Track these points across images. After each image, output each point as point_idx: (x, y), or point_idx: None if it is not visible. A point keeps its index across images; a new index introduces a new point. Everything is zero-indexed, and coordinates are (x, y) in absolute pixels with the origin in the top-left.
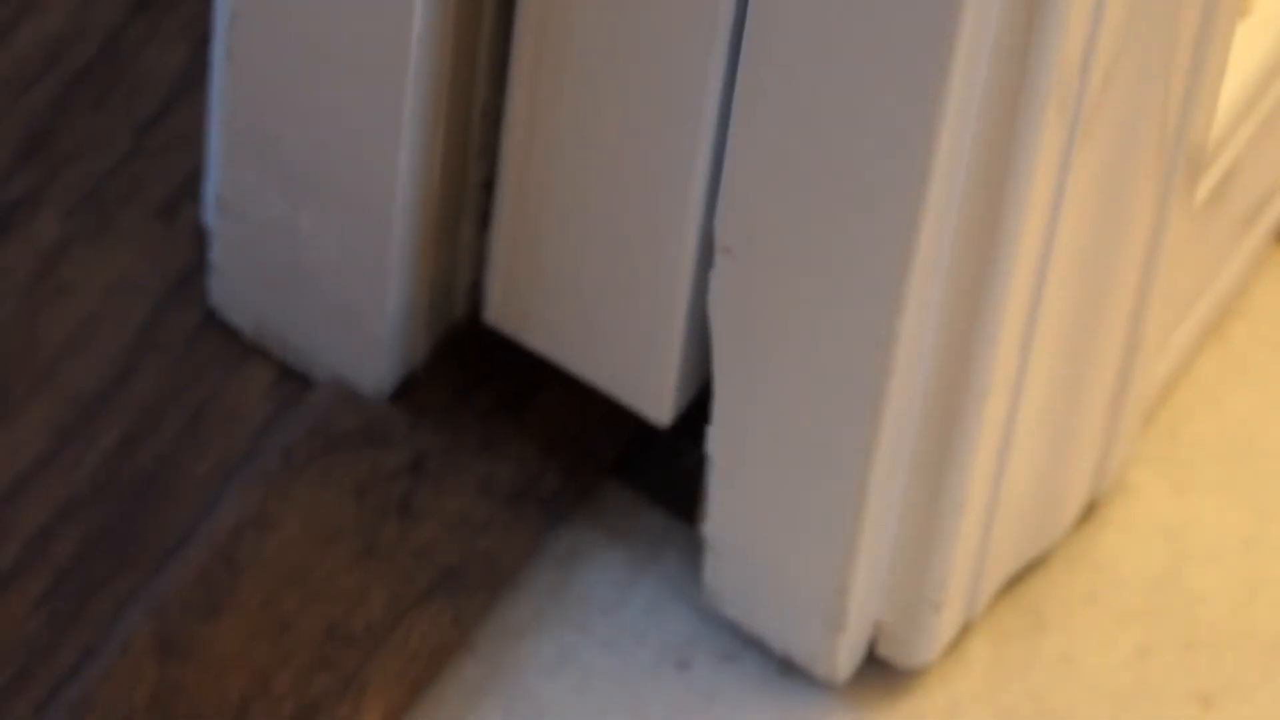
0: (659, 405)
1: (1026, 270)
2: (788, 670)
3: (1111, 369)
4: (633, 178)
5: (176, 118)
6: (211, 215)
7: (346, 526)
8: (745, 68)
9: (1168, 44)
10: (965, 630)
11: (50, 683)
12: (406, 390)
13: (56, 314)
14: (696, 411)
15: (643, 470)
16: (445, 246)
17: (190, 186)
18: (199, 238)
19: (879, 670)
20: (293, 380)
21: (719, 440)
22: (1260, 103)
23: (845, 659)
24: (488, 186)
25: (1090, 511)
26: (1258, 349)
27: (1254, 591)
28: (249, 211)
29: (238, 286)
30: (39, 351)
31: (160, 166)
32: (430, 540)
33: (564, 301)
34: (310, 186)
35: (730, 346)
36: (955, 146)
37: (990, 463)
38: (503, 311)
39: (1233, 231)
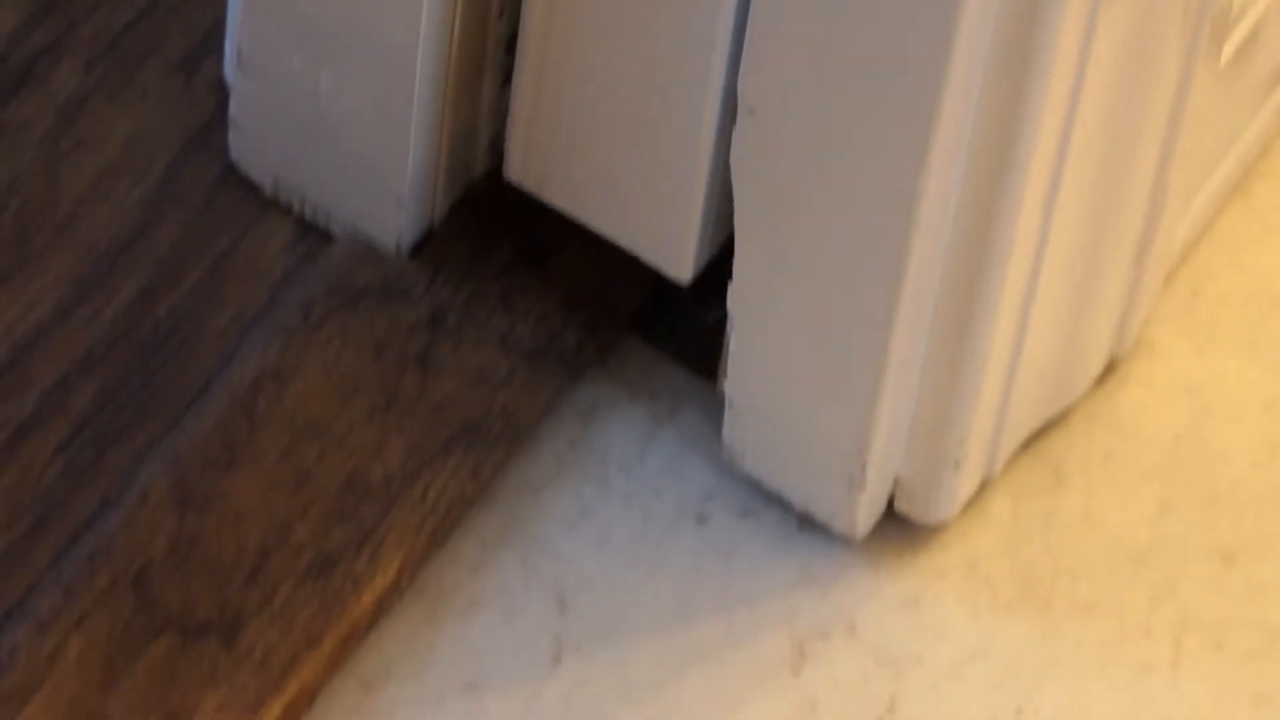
0: (680, 262)
1: (1052, 129)
2: (806, 526)
3: (1134, 227)
4: (656, 36)
5: None
6: (231, 70)
7: (365, 380)
8: None
9: None
10: (985, 487)
11: (68, 532)
12: (426, 246)
13: (76, 166)
14: (718, 269)
15: (663, 327)
16: (466, 103)
17: (211, 41)
18: (219, 92)
19: (898, 526)
20: (312, 235)
21: (740, 298)
22: None
23: (864, 515)
24: (510, 44)
25: (1111, 369)
26: None
27: (1275, 449)
28: (269, 66)
29: (257, 141)
30: (58, 203)
31: (181, 20)
32: (449, 394)
33: (585, 158)
34: (331, 42)
35: (752, 204)
36: (982, 3)
37: (1012, 320)
38: (523, 168)
39: (1257, 92)
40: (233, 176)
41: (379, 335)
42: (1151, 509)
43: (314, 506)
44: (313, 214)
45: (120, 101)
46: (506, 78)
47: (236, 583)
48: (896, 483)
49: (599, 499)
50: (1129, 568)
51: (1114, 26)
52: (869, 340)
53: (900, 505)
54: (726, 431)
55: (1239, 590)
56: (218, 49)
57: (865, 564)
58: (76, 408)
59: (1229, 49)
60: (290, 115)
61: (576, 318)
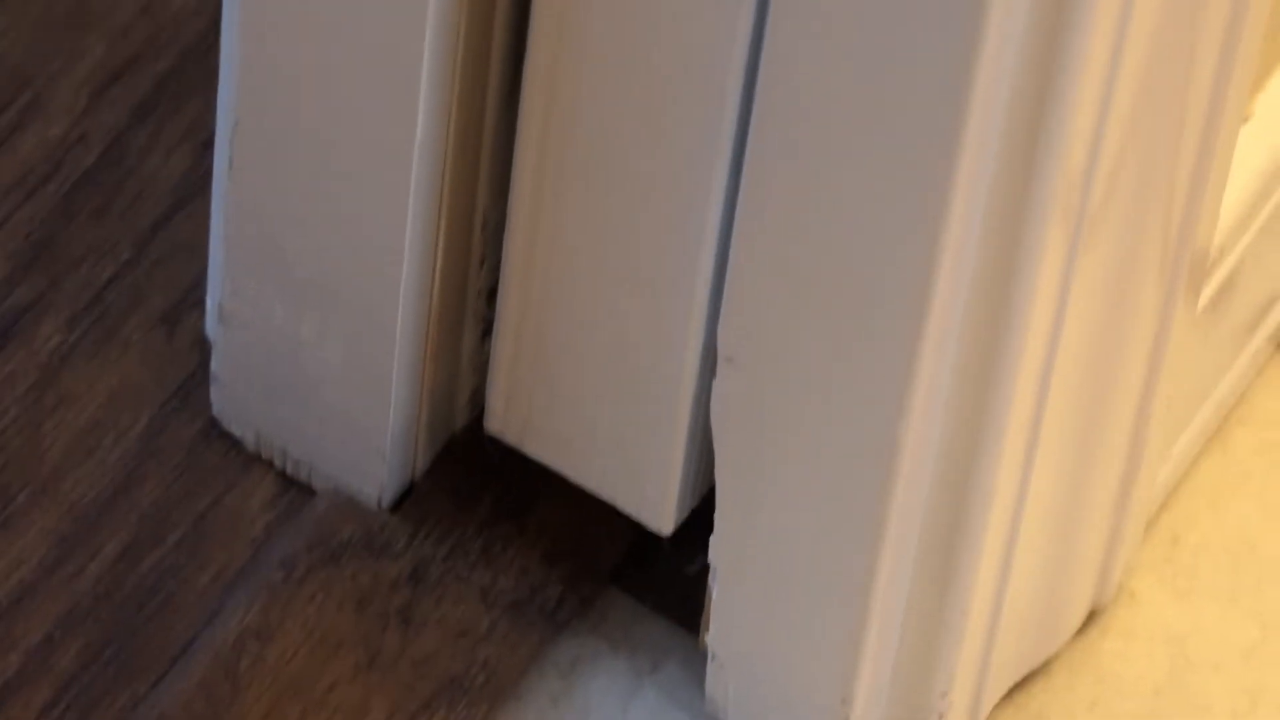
0: (661, 514)
1: (1030, 378)
2: None
3: (1114, 476)
4: (635, 288)
5: (179, 226)
6: (213, 325)
7: (348, 637)
8: (748, 178)
9: (1171, 151)
10: None
11: None
12: (408, 499)
13: (58, 423)
14: (699, 520)
15: (645, 579)
16: (447, 356)
17: (193, 295)
18: (201, 347)
19: None
20: (294, 489)
21: (721, 549)
22: (1262, 208)
23: None
24: (490, 296)
25: (1093, 619)
26: (1259, 456)
27: (1255, 700)
28: (251, 320)
29: (239, 396)
30: (41, 460)
31: (162, 275)
32: (432, 650)
33: (566, 411)
34: (313, 296)
35: (733, 456)
36: (959, 255)
37: (994, 571)
38: (504, 421)
39: (1235, 338)
40: (215, 431)
41: (361, 591)
42: None
43: None
44: (294, 468)
45: (103, 357)
46: (487, 330)
47: None
48: None
49: None
50: None
51: (1092, 274)
52: (851, 591)
53: None
54: (709, 685)
55: None
56: (200, 304)
57: None
58: (60, 667)
59: (1207, 293)
60: (272, 369)
61: (558, 570)
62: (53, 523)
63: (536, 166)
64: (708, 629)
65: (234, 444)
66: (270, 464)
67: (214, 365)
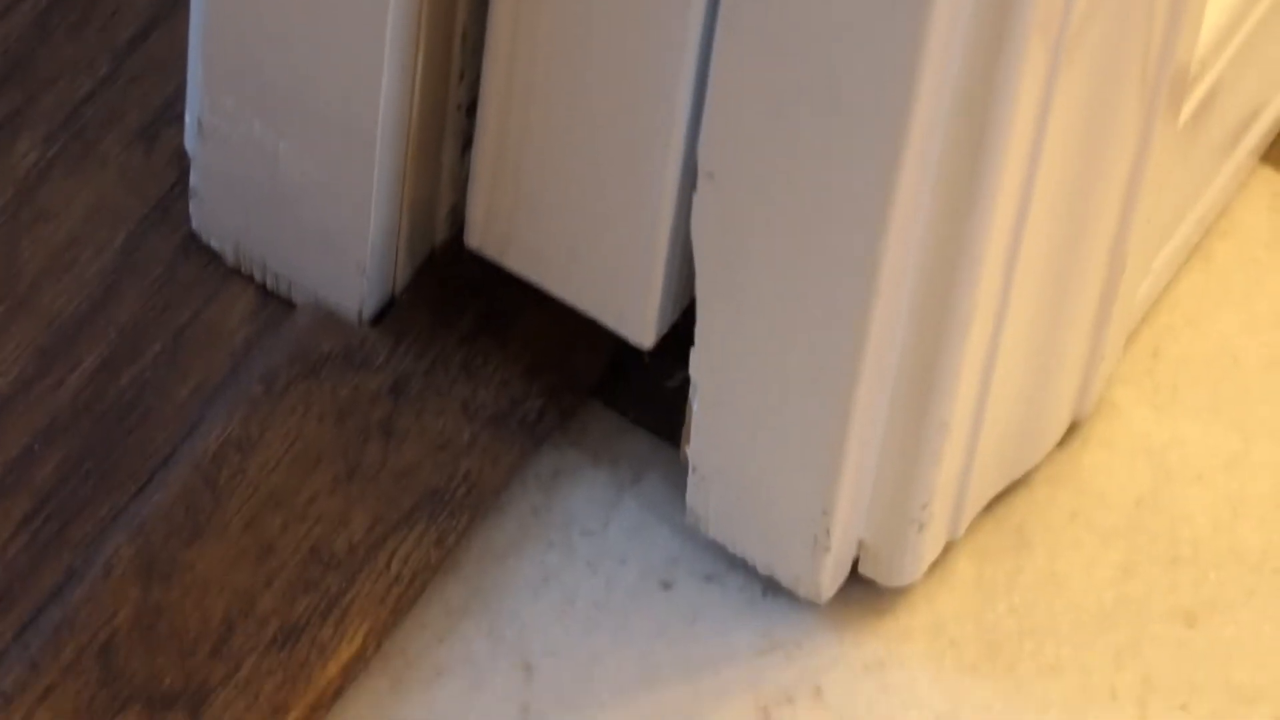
0: (642, 328)
1: (1010, 193)
2: (771, 590)
3: (1095, 290)
4: (615, 102)
5: (156, 42)
6: (192, 140)
7: (328, 449)
8: None
9: None
10: (949, 549)
11: (32, 604)
12: (388, 314)
13: (36, 238)
14: (680, 334)
15: (626, 392)
16: (426, 171)
17: (170, 111)
18: (179, 162)
19: (863, 589)
20: (273, 303)
21: (702, 363)
22: (1242, 24)
23: (829, 579)
24: (470, 111)
25: (1073, 431)
26: (1240, 269)
27: (1236, 510)
28: (229, 136)
29: (218, 211)
30: (19, 276)
31: (140, 91)
32: (412, 462)
33: (546, 225)
34: (291, 111)
35: (713, 270)
36: (940, 68)
37: (974, 383)
38: (484, 235)
39: (1215, 153)
40: (194, 246)
41: (341, 404)
42: (1115, 571)
43: (279, 577)
44: (274, 283)
45: (80, 173)
46: (467, 145)
47: (202, 654)
48: (861, 546)
49: (563, 566)
50: (1093, 629)
51: (1072, 91)
52: (832, 403)
53: (865, 569)
54: (690, 497)
55: (1202, 651)
56: (178, 119)
57: (830, 628)
58: (39, 479)
59: (1187, 109)
60: (251, 184)
61: (539, 384)
62: (31, 336)
63: None
64: (688, 442)
65: (213, 258)
66: (250, 278)
67: (193, 180)
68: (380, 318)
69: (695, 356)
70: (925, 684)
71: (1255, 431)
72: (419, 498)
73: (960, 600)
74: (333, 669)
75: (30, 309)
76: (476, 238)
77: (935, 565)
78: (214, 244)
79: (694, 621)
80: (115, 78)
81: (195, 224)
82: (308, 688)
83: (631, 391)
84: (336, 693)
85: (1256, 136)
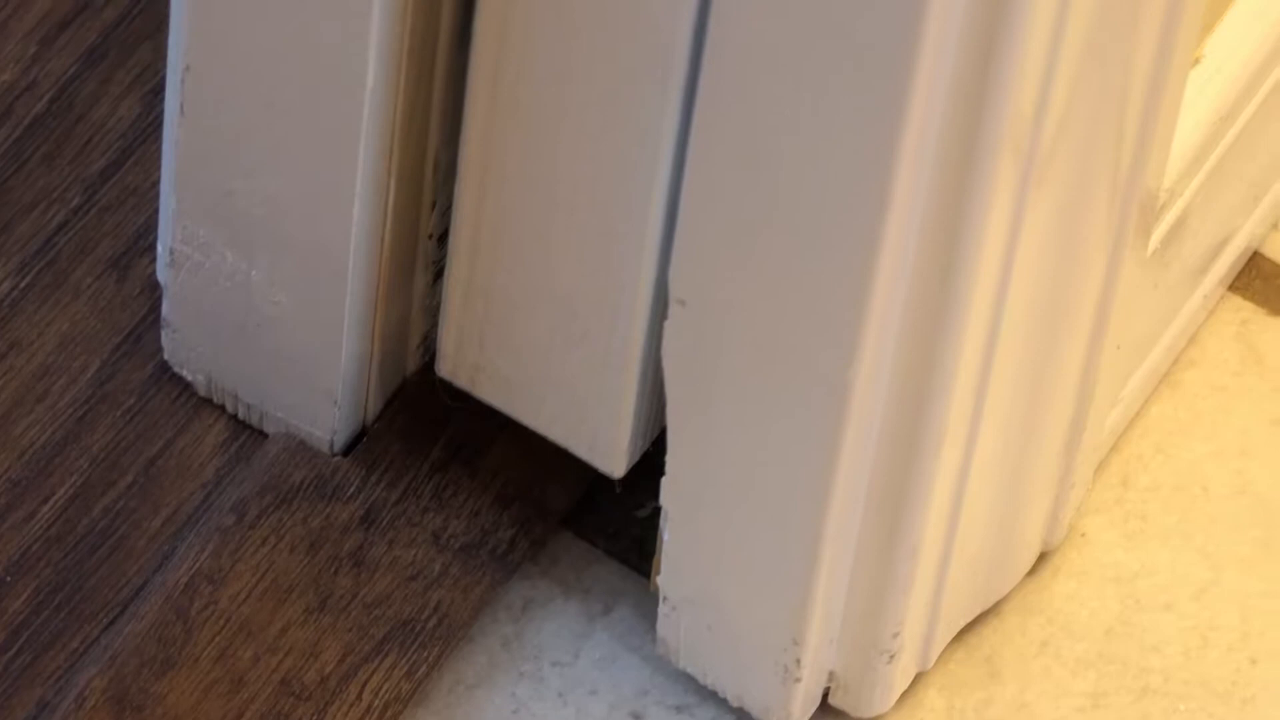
0: (613, 458)
1: (981, 317)
2: None
3: (1065, 417)
4: (586, 231)
5: (129, 172)
6: (164, 270)
7: (300, 580)
8: (699, 119)
9: (1121, 91)
10: (919, 680)
11: None
12: (359, 443)
13: (9, 368)
14: (651, 463)
15: (597, 522)
16: (398, 300)
17: (143, 241)
18: (151, 292)
19: None
20: (246, 434)
21: (673, 492)
22: (1210, 152)
23: (799, 710)
24: (441, 239)
25: (1043, 560)
26: (1208, 396)
27: (1206, 639)
28: (202, 265)
29: (190, 340)
30: None
31: (112, 221)
32: (383, 593)
33: (517, 354)
34: (263, 240)
35: (684, 398)
36: (910, 192)
37: (944, 511)
38: (455, 365)
39: (1184, 280)
40: (166, 376)
41: (313, 534)
42: (1085, 700)
43: (250, 708)
44: (246, 412)
45: (53, 303)
46: (439, 274)
47: None
48: (831, 676)
49: (534, 697)
50: None
51: (1042, 213)
52: (802, 532)
53: (835, 699)
54: (661, 627)
55: None
56: (150, 249)
57: None
58: (11, 611)
59: (1156, 236)
60: (223, 313)
61: (510, 514)
62: (4, 467)
63: (487, 111)
64: (659, 572)
65: (185, 388)
66: (222, 408)
67: (165, 310)
68: (352, 447)
69: (666, 486)
70: None
71: (1224, 560)
72: (390, 628)
73: None
74: None
75: (2, 440)
76: (447, 367)
77: (905, 696)
78: (186, 374)
79: None
80: (88, 208)
81: (167, 354)
82: None
83: (603, 521)
84: None
85: (1225, 264)
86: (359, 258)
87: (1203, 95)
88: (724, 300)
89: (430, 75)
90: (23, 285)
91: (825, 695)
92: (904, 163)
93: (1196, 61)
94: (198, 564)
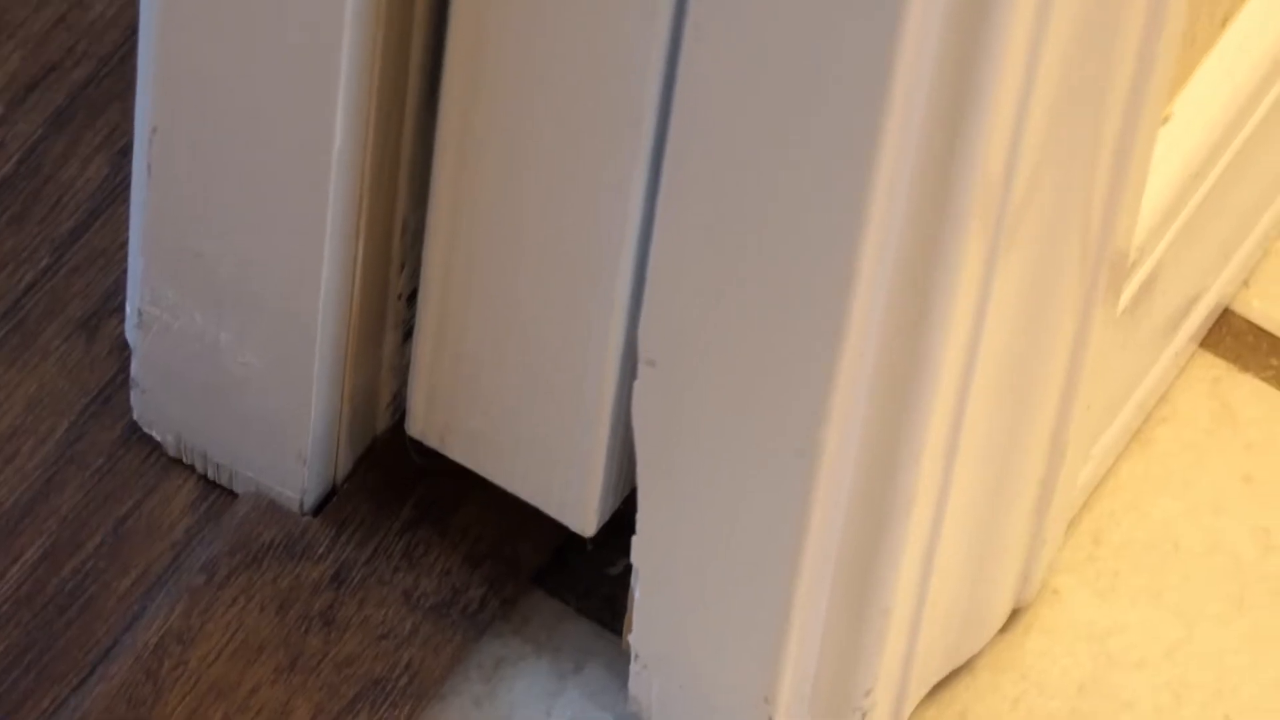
0: (583, 516)
1: (951, 379)
2: None
3: (1035, 476)
4: (554, 291)
5: (97, 232)
6: (133, 331)
7: (270, 639)
8: (667, 181)
9: (1089, 153)
10: None
11: None
12: (329, 503)
13: None
14: (621, 522)
15: (567, 581)
16: (368, 360)
17: (112, 301)
18: (120, 353)
19: None
20: (215, 494)
21: (643, 551)
22: (1180, 211)
23: None
24: (411, 299)
25: (1015, 617)
26: (1180, 454)
27: (1179, 696)
28: (171, 325)
29: (159, 401)
30: None
31: (81, 282)
32: (354, 652)
33: (486, 413)
34: (232, 300)
35: (654, 457)
36: (879, 257)
37: (916, 570)
38: (425, 423)
39: (1156, 338)
40: (135, 436)
41: (283, 594)
42: None
43: None
44: (215, 472)
45: (21, 364)
46: (408, 333)
47: None
48: None
49: None
50: None
51: (1012, 276)
52: (773, 591)
53: None
54: (632, 685)
55: None
56: (118, 310)
57: None
58: None
59: (1127, 294)
60: (192, 374)
61: (481, 572)
62: None
63: (455, 172)
64: (630, 630)
65: (154, 448)
66: (191, 468)
67: (134, 370)
68: (322, 506)
69: (637, 544)
70: None
71: (1196, 617)
72: (361, 687)
73: None
74: None
75: None
76: (417, 426)
77: None
78: (155, 434)
79: None
80: (56, 268)
81: (137, 414)
82: None
83: (574, 580)
84: None
85: (1195, 322)
86: (328, 318)
87: (1172, 153)
88: (694, 361)
89: (398, 136)
90: None
91: None
92: (872, 226)
93: (1166, 119)
94: (167, 624)
